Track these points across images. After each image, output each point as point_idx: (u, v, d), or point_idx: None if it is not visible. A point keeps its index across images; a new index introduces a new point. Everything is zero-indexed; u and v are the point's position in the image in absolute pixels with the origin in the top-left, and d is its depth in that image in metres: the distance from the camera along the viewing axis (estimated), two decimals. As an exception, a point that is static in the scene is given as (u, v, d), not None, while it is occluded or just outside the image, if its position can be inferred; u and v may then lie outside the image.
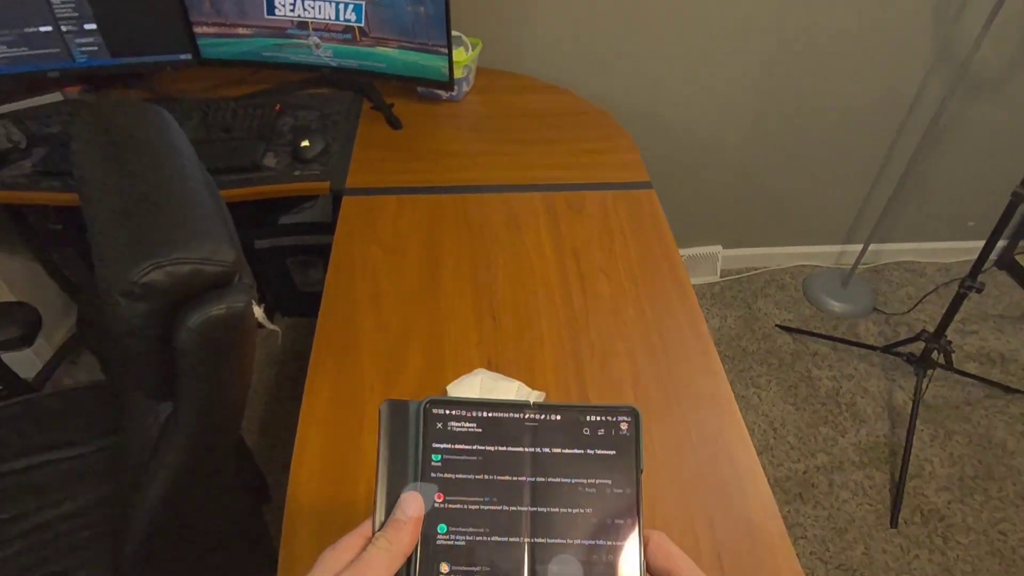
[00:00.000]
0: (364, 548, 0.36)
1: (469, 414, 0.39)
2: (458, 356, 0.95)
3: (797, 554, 0.73)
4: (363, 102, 1.52)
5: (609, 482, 0.38)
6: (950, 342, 1.72)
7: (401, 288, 1.05)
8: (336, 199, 1.27)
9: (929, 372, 1.76)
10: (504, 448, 0.39)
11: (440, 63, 1.38)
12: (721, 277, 2.34)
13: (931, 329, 1.80)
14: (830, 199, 2.18)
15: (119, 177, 0.76)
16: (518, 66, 1.69)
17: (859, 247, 2.17)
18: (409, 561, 0.36)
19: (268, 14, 1.43)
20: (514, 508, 0.38)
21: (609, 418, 0.39)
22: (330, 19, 1.41)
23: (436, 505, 0.37)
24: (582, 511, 0.38)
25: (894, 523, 1.65)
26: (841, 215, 2.25)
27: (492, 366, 0.94)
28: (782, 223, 2.26)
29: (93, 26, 1.41)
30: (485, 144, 1.40)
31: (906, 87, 1.87)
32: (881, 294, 2.28)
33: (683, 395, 0.90)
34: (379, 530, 0.36)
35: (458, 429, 0.39)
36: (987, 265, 1.57)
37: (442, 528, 0.37)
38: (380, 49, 1.42)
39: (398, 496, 0.37)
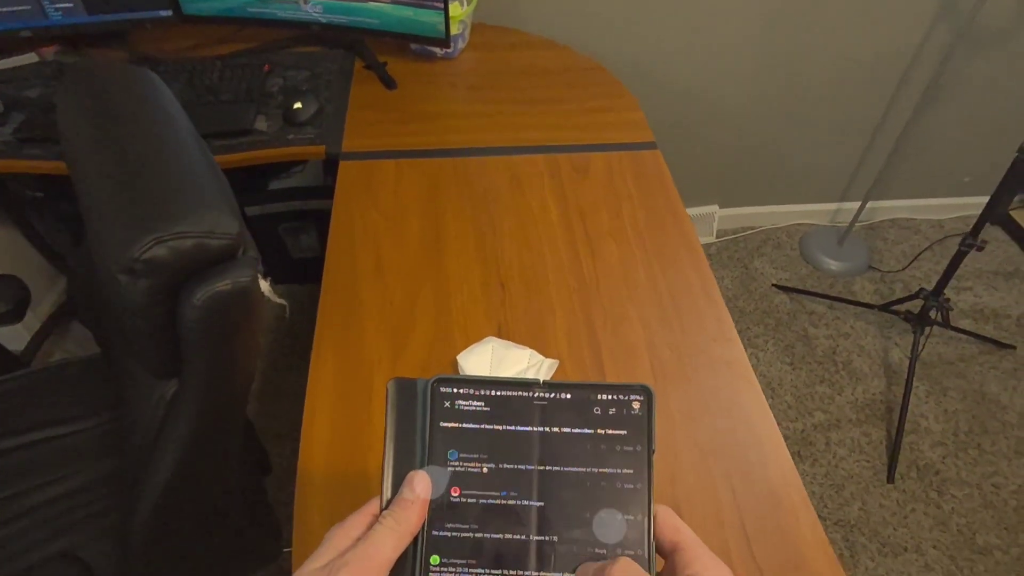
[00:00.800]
0: (371, 526, 0.36)
1: (477, 392, 0.38)
2: (467, 324, 0.93)
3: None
4: (355, 61, 1.46)
5: (619, 462, 0.38)
6: (948, 300, 1.73)
7: (405, 255, 1.02)
8: (331, 163, 1.22)
9: (927, 330, 1.77)
10: (512, 427, 0.38)
11: (436, 18, 1.32)
12: (717, 237, 2.33)
13: (926, 286, 1.80)
14: (827, 156, 2.16)
15: (111, 146, 0.71)
16: (513, 20, 1.63)
17: (854, 205, 2.16)
18: (416, 539, 0.36)
19: (252, -33, 1.35)
20: (522, 487, 0.37)
21: (620, 396, 0.38)
22: (318, -28, 1.34)
23: (443, 482, 0.37)
24: (591, 490, 0.37)
25: (891, 479, 1.68)
26: (838, 172, 2.23)
27: (502, 334, 0.92)
28: (779, 181, 2.24)
29: (67, -19, 1.33)
30: (484, 104, 1.35)
31: (908, 41, 1.83)
32: (876, 252, 2.28)
33: (699, 362, 0.88)
34: (386, 508, 0.36)
35: (466, 407, 0.38)
36: (976, 221, 1.56)
37: (449, 507, 0.37)
38: (372, 3, 1.35)
39: (405, 474, 0.37)
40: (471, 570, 0.36)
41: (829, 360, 1.95)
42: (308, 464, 0.79)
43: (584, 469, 0.37)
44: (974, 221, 1.61)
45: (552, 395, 0.38)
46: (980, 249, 1.54)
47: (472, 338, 0.90)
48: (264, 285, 0.72)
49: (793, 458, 1.70)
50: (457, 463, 0.38)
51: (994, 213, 1.50)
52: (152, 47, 1.47)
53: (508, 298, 0.97)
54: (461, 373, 0.86)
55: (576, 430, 0.38)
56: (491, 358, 0.87)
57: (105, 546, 0.94)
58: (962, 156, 2.19)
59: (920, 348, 1.77)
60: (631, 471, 0.37)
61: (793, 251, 2.28)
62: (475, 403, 0.38)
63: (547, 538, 0.36)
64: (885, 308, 1.93)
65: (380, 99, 1.36)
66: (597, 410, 0.38)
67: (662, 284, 0.99)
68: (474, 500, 0.37)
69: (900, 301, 1.88)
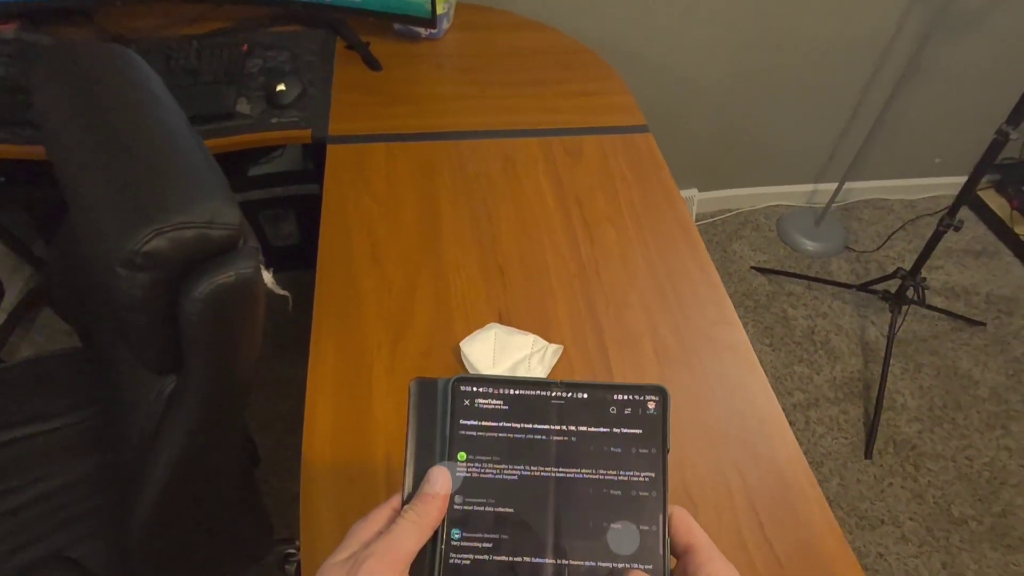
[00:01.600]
0: (393, 520, 0.37)
1: (496, 391, 0.40)
2: (468, 310, 0.92)
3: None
4: (336, 41, 1.42)
5: (634, 461, 0.39)
6: (924, 279, 1.77)
7: (400, 242, 1.00)
8: (317, 148, 1.19)
9: (904, 309, 1.81)
10: (530, 425, 0.39)
11: (422, -3, 1.29)
12: (697, 221, 2.34)
13: (901, 265, 1.84)
14: (805, 138, 2.18)
15: (100, 132, 0.68)
16: (495, 1, 1.60)
17: (830, 186, 2.19)
18: (436, 534, 0.37)
19: (228, -58, 1.30)
20: (540, 484, 0.38)
21: (637, 397, 0.40)
22: (298, -52, 1.29)
23: (463, 478, 0.38)
24: (607, 488, 0.38)
25: (868, 454, 1.72)
26: (815, 154, 2.26)
27: (504, 320, 0.91)
28: (757, 164, 2.26)
29: (28, -46, 1.26)
30: (472, 86, 1.32)
31: (885, 24, 1.85)
32: (852, 232, 2.32)
33: (702, 347, 0.89)
34: (407, 503, 0.37)
35: (485, 406, 0.39)
36: (952, 202, 1.60)
37: (469, 502, 0.38)
38: (355, -18, 1.31)
39: (426, 470, 0.38)
40: (489, 556, 0.37)
41: (808, 340, 1.99)
42: (312, 455, 0.77)
43: (600, 467, 0.39)
44: (944, 201, 1.65)
45: (569, 395, 0.40)
46: (957, 229, 1.57)
47: (473, 324, 0.89)
48: (267, 276, 0.70)
49: (776, 436, 1.75)
50: (475, 460, 0.39)
51: (971, 193, 1.54)
52: (122, 25, 1.40)
53: (508, 284, 0.96)
54: (465, 359, 0.85)
55: (593, 429, 0.39)
56: (494, 344, 0.87)
57: (98, 545, 0.91)
58: (934, 137, 2.24)
59: (897, 327, 1.81)
60: (646, 470, 0.39)
61: (771, 233, 2.31)
62: (494, 402, 0.39)
63: (562, 538, 0.38)
64: (863, 288, 1.97)
65: (365, 81, 1.33)
66: (613, 410, 0.39)
67: (661, 268, 0.99)
68: (492, 496, 0.38)
69: (878, 281, 1.92)
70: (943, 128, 2.20)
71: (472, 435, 0.39)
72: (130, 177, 0.65)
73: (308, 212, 1.67)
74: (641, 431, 0.39)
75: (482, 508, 0.38)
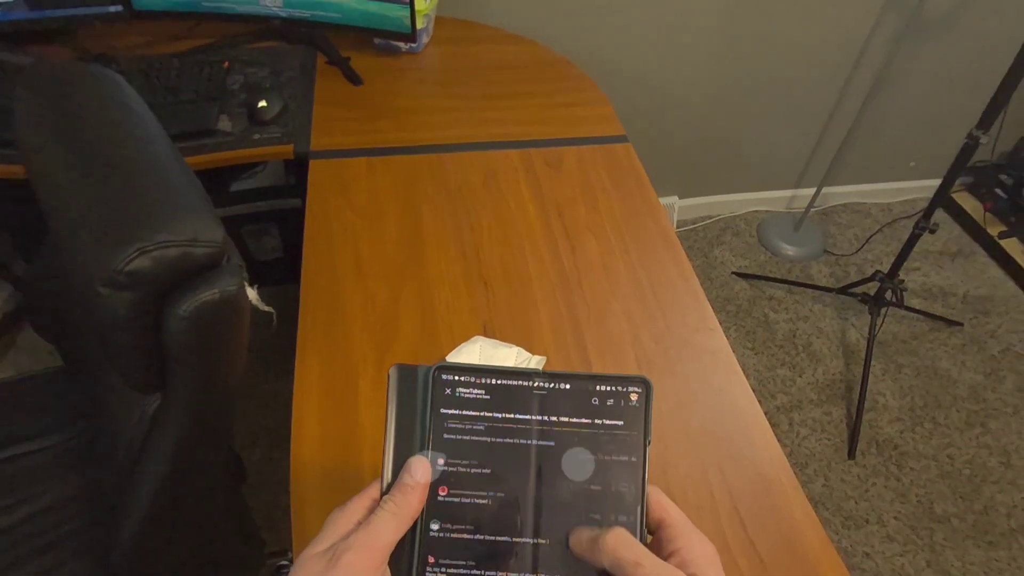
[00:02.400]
0: (371, 510, 0.36)
1: (478, 380, 0.39)
2: (452, 324, 0.93)
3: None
4: (317, 56, 1.43)
5: (615, 452, 0.39)
6: (902, 281, 1.80)
7: (384, 255, 1.01)
8: (294, 163, 1.19)
9: (883, 310, 1.84)
10: (512, 415, 0.39)
11: (401, 12, 1.30)
12: (678, 228, 2.37)
13: (878, 268, 1.87)
14: (783, 144, 2.22)
15: (81, 152, 0.68)
16: (473, 14, 1.61)
17: (809, 191, 2.23)
18: (415, 524, 0.37)
19: (207, -40, 1.31)
20: (519, 474, 0.38)
21: (619, 388, 0.39)
22: (277, -35, 1.30)
23: (442, 469, 0.38)
24: (587, 479, 0.38)
25: (852, 455, 1.75)
26: (793, 159, 2.30)
27: (488, 332, 0.92)
28: (736, 169, 2.29)
29: (6, -25, 1.26)
30: (452, 99, 1.34)
31: (859, 30, 1.89)
32: (830, 236, 2.36)
33: (684, 353, 0.90)
34: (386, 493, 0.37)
35: (466, 395, 0.39)
36: (927, 205, 1.64)
37: (447, 492, 0.38)
38: (334, -2, 1.32)
39: (405, 460, 0.38)
40: (470, 535, 0.37)
41: (789, 343, 2.01)
42: (301, 469, 0.78)
43: (581, 456, 0.38)
44: (920, 204, 1.69)
45: (552, 385, 0.39)
46: (933, 231, 1.60)
47: (459, 337, 0.90)
48: (251, 293, 0.70)
49: (761, 440, 1.77)
50: (455, 449, 0.38)
51: (944, 196, 1.57)
52: (102, 44, 1.40)
53: (492, 296, 0.96)
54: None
55: (574, 419, 0.39)
56: (479, 357, 0.87)
57: (85, 565, 0.90)
58: (908, 141, 2.28)
59: (877, 329, 1.84)
60: (627, 461, 0.38)
61: (752, 238, 2.34)
62: (476, 391, 0.39)
63: (541, 528, 0.38)
64: (843, 291, 2.00)
65: (346, 95, 1.33)
66: (595, 401, 0.39)
67: (643, 276, 1.00)
68: (472, 485, 0.38)
69: (857, 284, 1.96)
70: (917, 132, 2.25)
71: (453, 424, 0.38)
72: (111, 196, 0.65)
73: (291, 226, 1.67)
74: (623, 422, 0.39)
75: (460, 498, 0.38)
